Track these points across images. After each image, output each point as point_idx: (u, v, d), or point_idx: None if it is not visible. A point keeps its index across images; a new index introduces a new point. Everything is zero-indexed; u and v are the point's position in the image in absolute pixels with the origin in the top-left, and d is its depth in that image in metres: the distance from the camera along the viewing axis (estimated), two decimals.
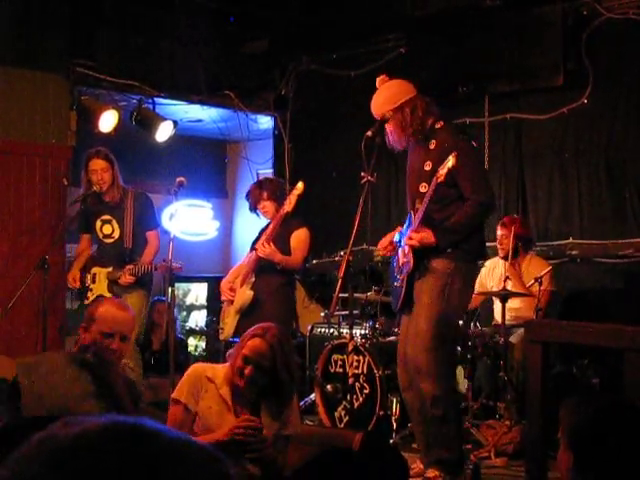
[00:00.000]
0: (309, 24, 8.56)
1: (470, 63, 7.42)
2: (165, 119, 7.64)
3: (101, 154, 6.75)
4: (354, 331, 6.70)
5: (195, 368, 4.08)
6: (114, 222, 6.86)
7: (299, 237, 6.59)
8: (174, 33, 8.26)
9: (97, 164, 6.72)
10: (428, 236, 5.03)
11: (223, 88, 8.60)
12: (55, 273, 7.00)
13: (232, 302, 6.54)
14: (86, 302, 6.72)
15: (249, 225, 9.22)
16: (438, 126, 5.18)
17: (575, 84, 7.05)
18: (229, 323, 6.49)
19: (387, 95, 5.25)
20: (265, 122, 9.48)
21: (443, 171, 4.96)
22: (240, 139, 9.82)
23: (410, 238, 5.08)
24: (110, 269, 6.80)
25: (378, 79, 5.32)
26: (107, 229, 6.89)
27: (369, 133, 5.12)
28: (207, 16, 8.39)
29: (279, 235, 6.51)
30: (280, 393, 3.98)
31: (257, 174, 9.72)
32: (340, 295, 5.39)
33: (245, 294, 6.45)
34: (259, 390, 3.93)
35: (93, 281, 6.85)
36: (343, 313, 7.21)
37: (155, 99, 8.10)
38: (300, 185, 6.37)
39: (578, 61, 7.02)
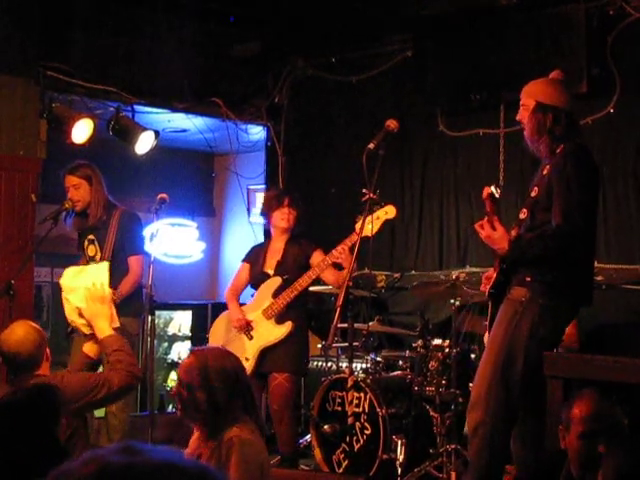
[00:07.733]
0: (305, 24, 8.51)
1: (484, 68, 7.39)
2: (146, 129, 7.60)
3: (74, 170, 6.76)
4: (354, 365, 6.73)
5: None
6: (97, 243, 6.78)
7: (321, 256, 6.52)
8: (155, 34, 8.24)
9: (69, 181, 6.75)
10: (501, 238, 4.82)
11: (210, 95, 8.60)
12: (22, 301, 6.94)
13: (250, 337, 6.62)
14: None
15: (238, 246, 9.19)
16: (558, 150, 4.95)
17: (600, 91, 6.97)
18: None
19: (551, 88, 5.09)
20: (257, 132, 9.47)
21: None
22: (229, 151, 9.79)
23: (482, 227, 4.88)
24: None
25: (555, 72, 5.16)
26: (91, 250, 6.80)
27: (371, 145, 5.06)
28: (192, 15, 8.36)
29: (296, 256, 6.57)
30: None
31: (247, 190, 9.72)
32: (339, 325, 5.37)
33: (275, 330, 6.53)
34: None
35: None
36: (342, 345, 7.22)
37: (134, 106, 8.09)
38: (392, 210, 6.13)
39: (603, 66, 6.95)
